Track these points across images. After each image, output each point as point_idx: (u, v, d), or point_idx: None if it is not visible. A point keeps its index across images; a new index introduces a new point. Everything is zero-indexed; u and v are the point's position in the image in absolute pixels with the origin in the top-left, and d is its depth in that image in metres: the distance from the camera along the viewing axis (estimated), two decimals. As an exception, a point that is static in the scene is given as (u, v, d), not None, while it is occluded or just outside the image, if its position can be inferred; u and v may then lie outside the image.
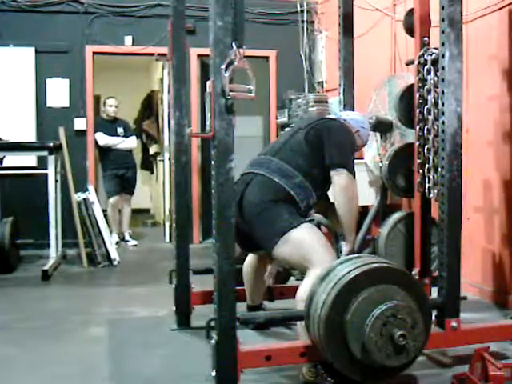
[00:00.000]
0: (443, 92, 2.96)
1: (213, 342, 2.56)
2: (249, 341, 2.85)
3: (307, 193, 3.28)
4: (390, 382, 2.78)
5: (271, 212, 3.17)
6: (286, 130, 3.65)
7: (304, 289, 2.93)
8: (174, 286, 3.88)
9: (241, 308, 2.68)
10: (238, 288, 2.69)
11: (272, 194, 3.21)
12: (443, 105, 2.96)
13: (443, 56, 2.95)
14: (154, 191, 11.13)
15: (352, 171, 3.30)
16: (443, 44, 2.95)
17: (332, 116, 3.78)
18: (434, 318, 2.96)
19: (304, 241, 3.10)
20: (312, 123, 3.45)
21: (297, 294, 3.06)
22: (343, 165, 3.25)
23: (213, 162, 2.56)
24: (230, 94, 2.46)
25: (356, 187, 3.30)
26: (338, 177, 3.23)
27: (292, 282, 4.28)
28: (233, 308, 2.57)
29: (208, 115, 2.52)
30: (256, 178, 3.29)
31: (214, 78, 2.47)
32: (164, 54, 4.33)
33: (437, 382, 2.88)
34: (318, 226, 3.26)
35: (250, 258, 3.69)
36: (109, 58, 7.92)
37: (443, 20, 2.95)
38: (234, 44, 2.50)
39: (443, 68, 2.96)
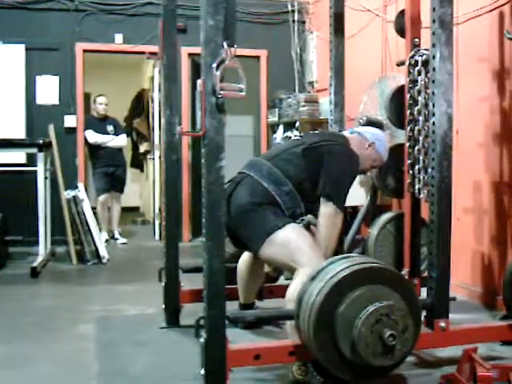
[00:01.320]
0: (434, 93, 2.97)
1: (202, 340, 2.55)
2: (238, 339, 2.85)
3: (295, 202, 3.26)
4: (378, 382, 2.80)
5: (256, 214, 3.18)
6: (293, 138, 3.65)
7: (293, 288, 2.93)
8: (163, 284, 3.87)
9: (230, 307, 2.67)
10: (228, 287, 2.68)
11: (259, 198, 3.21)
12: (434, 106, 2.96)
13: (434, 57, 2.96)
14: (143, 189, 11.12)
15: (342, 204, 3.29)
16: (434, 45, 2.96)
17: (345, 133, 3.72)
18: (423, 318, 2.96)
19: (290, 241, 3.10)
20: (316, 143, 3.40)
21: (286, 293, 3.06)
22: (332, 198, 3.24)
23: (203, 161, 2.56)
24: (221, 92, 2.46)
25: (341, 220, 3.29)
26: (325, 206, 3.24)
27: (281, 281, 4.27)
28: (222, 307, 2.56)
29: (199, 114, 2.52)
30: (246, 179, 3.29)
31: (205, 77, 2.46)
32: (155, 53, 4.32)
33: (425, 382, 2.89)
34: (309, 225, 3.26)
35: (245, 257, 3.68)
36: (99, 55, 7.91)
37: (434, 21, 2.95)
38: (225, 43, 2.50)
39: (434, 69, 2.96)
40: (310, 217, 3.30)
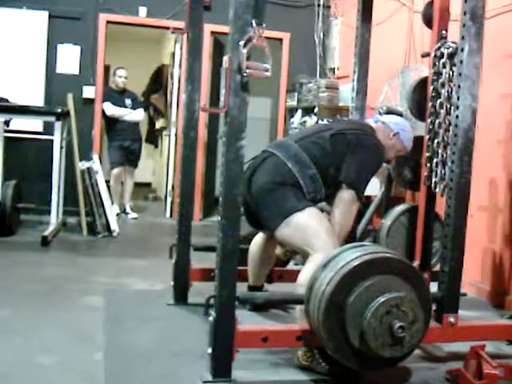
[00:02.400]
0: (459, 86, 2.93)
1: (211, 319, 2.55)
2: (245, 321, 2.85)
3: (316, 187, 3.24)
4: (384, 374, 2.80)
5: (278, 193, 3.15)
6: (321, 122, 3.61)
7: (305, 273, 2.92)
8: (173, 261, 3.87)
9: (239, 288, 2.66)
10: (238, 268, 2.67)
11: (282, 178, 3.18)
12: (458, 99, 2.93)
13: (462, 50, 2.92)
14: (157, 166, 11.11)
15: (361, 193, 3.29)
16: (463, 38, 2.92)
17: (369, 121, 3.69)
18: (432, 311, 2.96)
19: (307, 225, 3.10)
20: (345, 130, 3.38)
21: (298, 278, 3.05)
22: (354, 186, 3.23)
23: (224, 139, 2.54)
24: (247, 71, 2.44)
25: (357, 208, 3.28)
26: (344, 192, 3.23)
27: (291, 266, 4.27)
28: (233, 287, 2.57)
29: (222, 91, 2.50)
30: (271, 158, 3.26)
31: (232, 54, 2.45)
32: (179, 28, 4.30)
33: (431, 376, 2.88)
34: (322, 211, 3.26)
35: (258, 239, 3.67)
36: (121, 27, 7.86)
37: (465, 13, 2.91)
38: (253, 21, 2.48)
39: (461, 62, 2.93)
40: (323, 203, 3.29)
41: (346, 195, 3.22)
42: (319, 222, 3.12)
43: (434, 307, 2.95)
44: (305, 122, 6.66)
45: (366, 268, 2.53)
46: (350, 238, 3.84)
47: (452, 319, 2.91)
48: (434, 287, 3.05)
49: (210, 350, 2.58)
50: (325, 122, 3.67)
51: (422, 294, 2.59)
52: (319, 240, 3.05)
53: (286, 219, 3.10)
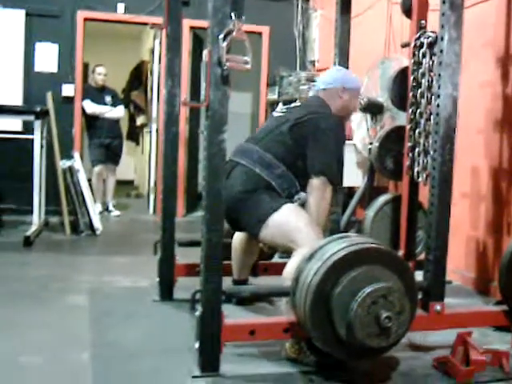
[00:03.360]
0: (439, 75, 2.93)
1: (197, 314, 2.54)
2: (231, 315, 2.84)
3: (289, 182, 3.27)
4: (371, 364, 2.81)
5: (252, 200, 3.18)
6: (276, 114, 3.55)
7: (291, 266, 2.93)
8: (158, 257, 3.86)
9: (225, 282, 2.66)
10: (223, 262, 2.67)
11: (252, 185, 3.21)
12: (439, 88, 2.93)
13: (442, 39, 2.92)
14: (138, 163, 11.06)
15: (334, 176, 3.28)
16: (442, 27, 2.92)
17: (319, 95, 3.57)
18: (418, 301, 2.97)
19: (287, 222, 3.12)
20: (300, 118, 3.34)
21: (284, 271, 3.06)
22: (323, 171, 3.22)
23: (205, 132, 2.53)
24: (227, 64, 2.43)
25: (330, 193, 3.25)
26: (315, 180, 3.22)
27: (276, 258, 4.27)
28: (219, 281, 2.56)
29: (203, 85, 2.49)
30: (238, 168, 3.29)
31: (211, 48, 2.44)
32: (157, 24, 4.28)
33: (418, 365, 2.89)
34: (303, 204, 3.26)
35: (240, 233, 3.67)
36: (99, 24, 7.80)
37: (444, 2, 2.92)
38: (233, 14, 2.47)
39: (441, 51, 2.93)
40: (303, 195, 3.29)
41: (315, 182, 3.21)
42: (298, 216, 3.14)
43: (420, 296, 2.97)
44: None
45: (351, 259, 2.53)
46: (335, 229, 3.86)
47: (438, 307, 2.92)
48: (419, 276, 3.06)
49: (197, 345, 2.57)
50: (279, 109, 3.61)
51: (409, 284, 2.60)
52: (301, 234, 3.06)
53: (265, 222, 3.13)
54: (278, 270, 3.24)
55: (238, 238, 3.69)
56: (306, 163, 3.26)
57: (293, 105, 3.60)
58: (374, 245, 2.65)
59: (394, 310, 2.48)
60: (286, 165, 3.26)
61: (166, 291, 3.85)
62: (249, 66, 2.52)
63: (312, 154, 3.25)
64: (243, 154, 3.32)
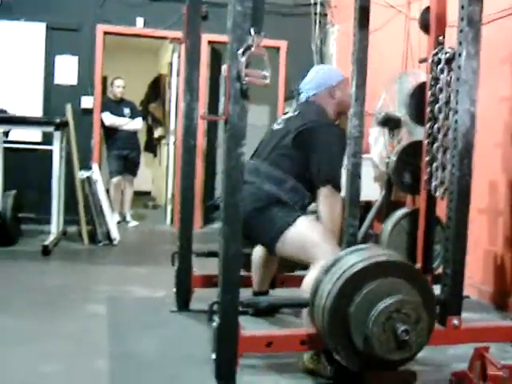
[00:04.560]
0: (457, 91, 2.94)
1: (214, 325, 2.56)
2: (250, 326, 2.86)
3: (300, 194, 3.28)
4: (389, 378, 2.80)
5: (265, 217, 3.18)
6: (276, 127, 3.54)
7: (309, 279, 2.94)
8: (175, 268, 3.88)
9: (243, 293, 2.68)
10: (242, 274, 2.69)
11: (263, 202, 3.21)
12: (457, 103, 2.94)
13: (460, 55, 2.94)
14: (156, 174, 11.13)
15: (338, 184, 3.28)
16: (460, 43, 2.93)
17: (312, 99, 3.56)
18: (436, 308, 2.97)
19: (303, 237, 3.13)
20: (300, 126, 3.34)
21: (302, 283, 3.07)
22: (328, 180, 3.23)
23: (224, 146, 2.55)
24: (246, 78, 2.46)
25: (339, 200, 3.27)
26: (322, 190, 3.23)
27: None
28: (236, 292, 2.57)
29: (222, 99, 2.52)
30: (246, 187, 3.24)
31: (231, 63, 2.46)
32: (176, 38, 4.33)
33: (435, 379, 2.89)
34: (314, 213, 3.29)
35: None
36: (118, 38, 7.90)
37: (462, 19, 2.93)
38: (252, 30, 2.50)
39: (459, 67, 2.94)
40: (315, 205, 3.31)
41: (323, 192, 3.23)
42: (313, 230, 3.15)
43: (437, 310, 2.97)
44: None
45: (363, 274, 2.50)
46: (352, 242, 3.86)
47: (456, 321, 2.91)
48: (436, 290, 3.06)
49: (214, 356, 2.58)
50: (278, 121, 3.60)
51: (423, 290, 2.57)
52: (318, 248, 3.07)
53: (281, 237, 3.14)
54: (296, 282, 3.26)
55: (258, 250, 3.70)
56: (310, 174, 3.28)
57: (289, 114, 3.60)
58: (383, 257, 2.62)
59: (410, 321, 2.47)
60: (296, 177, 3.27)
61: (183, 302, 3.88)
62: (267, 81, 2.54)
63: (315, 164, 3.27)
64: (250, 173, 3.27)
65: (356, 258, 2.59)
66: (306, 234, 3.13)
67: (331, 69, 3.67)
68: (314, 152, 3.28)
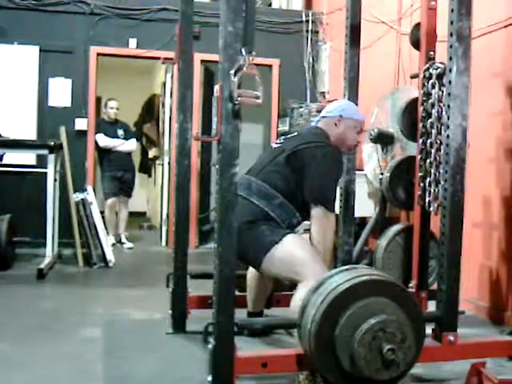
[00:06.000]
0: (449, 106, 2.96)
1: (210, 346, 2.55)
2: (245, 347, 2.84)
3: (289, 213, 3.28)
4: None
5: (252, 232, 3.19)
6: (275, 145, 3.56)
7: (297, 299, 2.93)
8: (170, 289, 3.86)
9: (238, 314, 2.66)
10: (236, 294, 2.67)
11: (252, 216, 3.22)
12: (448, 118, 2.96)
13: (450, 70, 2.95)
14: (150, 195, 11.12)
15: (332, 205, 3.27)
16: (450, 58, 2.95)
17: (319, 125, 3.58)
18: (431, 331, 2.95)
19: (290, 255, 3.13)
20: (296, 147, 3.35)
21: (290, 304, 3.07)
22: (321, 201, 3.22)
23: (217, 166, 2.55)
24: (238, 99, 2.46)
25: (333, 222, 3.26)
26: (314, 210, 3.22)
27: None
28: (231, 313, 2.56)
29: (214, 119, 2.52)
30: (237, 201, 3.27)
31: (222, 83, 2.47)
32: (170, 58, 4.34)
33: (432, 396, 2.88)
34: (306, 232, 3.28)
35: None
36: (111, 59, 7.92)
37: (451, 35, 2.95)
38: (243, 50, 2.50)
39: (450, 82, 2.96)
40: (307, 223, 3.30)
41: (316, 213, 3.22)
42: (301, 248, 3.15)
43: (433, 326, 2.96)
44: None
45: (346, 296, 2.49)
46: (347, 259, 3.85)
47: (451, 338, 2.91)
48: (432, 306, 3.05)
49: (209, 378, 2.56)
50: (281, 139, 3.61)
51: (410, 310, 2.55)
52: (306, 267, 3.07)
53: (267, 255, 3.14)
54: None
55: (252, 270, 3.69)
56: (304, 193, 3.27)
57: (290, 135, 3.62)
58: (369, 277, 2.59)
59: (396, 339, 2.45)
60: (285, 195, 3.27)
61: (179, 323, 3.85)
62: (260, 101, 2.54)
63: (308, 184, 3.26)
64: (241, 187, 3.27)
65: (340, 280, 2.56)
66: (294, 252, 3.13)
67: (351, 104, 3.65)
68: (307, 171, 3.28)
